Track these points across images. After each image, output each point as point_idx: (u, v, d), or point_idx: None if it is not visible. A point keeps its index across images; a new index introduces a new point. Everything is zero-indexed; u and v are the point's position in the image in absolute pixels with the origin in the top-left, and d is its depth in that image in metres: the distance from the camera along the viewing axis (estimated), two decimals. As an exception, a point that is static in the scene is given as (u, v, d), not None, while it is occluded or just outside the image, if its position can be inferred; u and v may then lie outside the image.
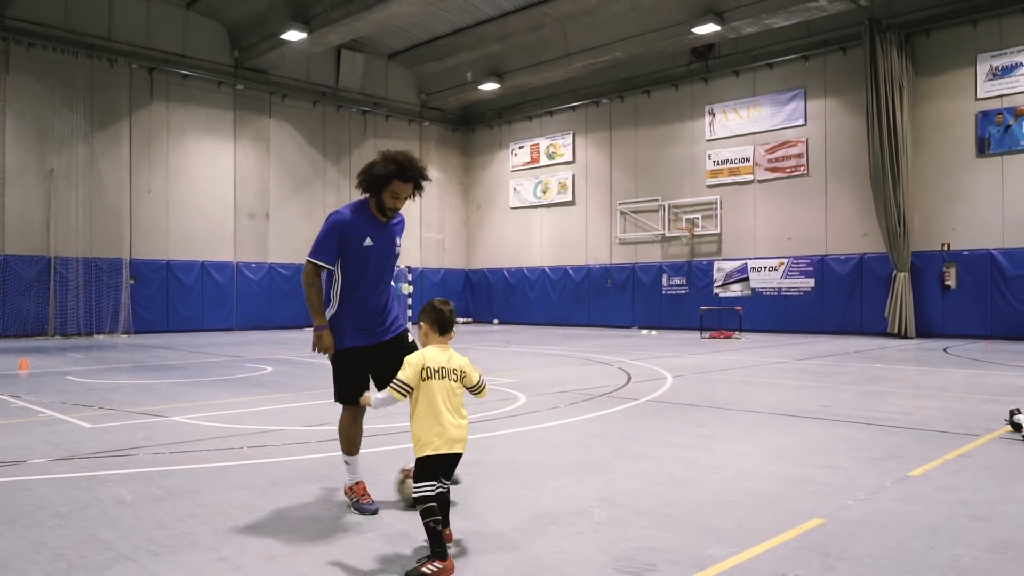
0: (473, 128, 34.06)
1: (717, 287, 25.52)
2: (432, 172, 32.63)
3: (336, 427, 4.91)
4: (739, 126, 25.31)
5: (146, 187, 24.86)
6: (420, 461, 3.78)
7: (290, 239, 28.21)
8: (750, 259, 24.90)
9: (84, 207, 23.37)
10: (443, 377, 3.87)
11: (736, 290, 25.02)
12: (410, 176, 4.54)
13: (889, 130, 20.87)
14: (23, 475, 5.37)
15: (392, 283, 4.91)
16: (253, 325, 26.84)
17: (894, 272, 21.24)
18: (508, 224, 32.55)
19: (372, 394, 4.15)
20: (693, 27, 22.66)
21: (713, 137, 25.97)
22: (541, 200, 31.22)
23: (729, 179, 25.51)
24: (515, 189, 32.26)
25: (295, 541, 3.94)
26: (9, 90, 22.22)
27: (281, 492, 4.91)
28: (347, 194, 29.98)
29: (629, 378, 11.44)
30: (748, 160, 25.03)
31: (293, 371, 12.77)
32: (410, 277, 30.57)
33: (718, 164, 25.78)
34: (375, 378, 4.76)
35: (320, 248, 4.55)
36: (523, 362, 14.50)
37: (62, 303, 22.71)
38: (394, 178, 4.50)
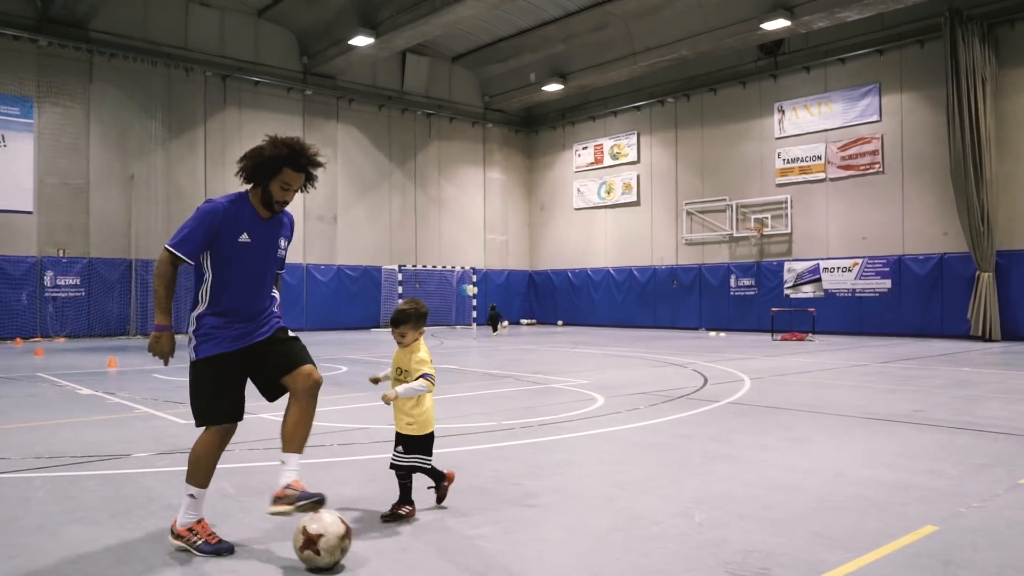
0: (536, 129, 34.07)
1: (788, 288, 24.97)
2: (495, 173, 32.91)
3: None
4: (810, 123, 24.73)
5: (220, 191, 25.55)
6: (429, 437, 4.49)
7: (357, 241, 28.68)
8: (822, 259, 24.29)
9: (162, 211, 24.18)
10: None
11: (808, 291, 24.44)
12: (303, 163, 3.91)
13: (971, 125, 20.13)
14: (130, 468, 5.56)
15: (275, 291, 4.20)
16: (322, 325, 27.36)
17: (977, 272, 20.46)
18: (572, 225, 32.46)
19: (401, 387, 4.39)
20: (762, 23, 22.24)
21: (783, 135, 25.44)
22: (605, 201, 31.04)
23: (800, 177, 24.94)
24: (579, 190, 32.15)
25: (399, 536, 3.97)
26: (93, 99, 23.13)
27: (377, 488, 4.97)
28: (412, 196, 30.35)
29: (705, 380, 11.27)
30: (820, 158, 24.44)
31: (368, 371, 12.95)
32: (474, 279, 30.78)
33: (788, 162, 25.23)
34: (260, 383, 4.04)
35: (183, 238, 3.81)
36: (594, 363, 14.42)
37: (143, 304, 23.52)
38: (284, 165, 3.87)
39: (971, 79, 20.14)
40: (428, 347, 4.50)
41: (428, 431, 4.47)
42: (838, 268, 23.82)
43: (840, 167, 24.00)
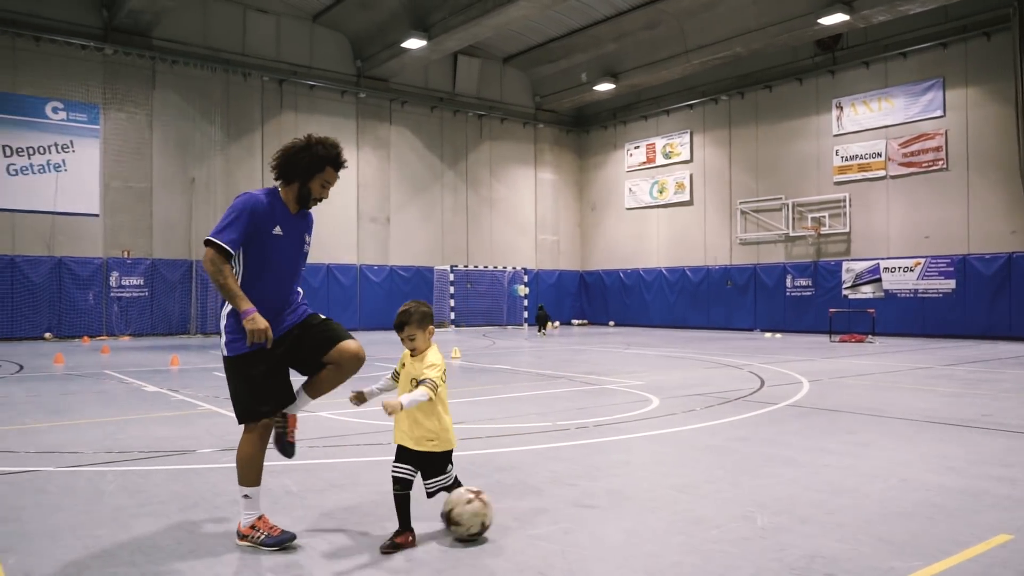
0: (588, 129, 33.96)
1: (846, 288, 24.41)
2: (547, 174, 32.91)
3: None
4: (869, 119, 24.14)
5: (277, 193, 26.05)
6: (450, 453, 4.03)
7: (409, 242, 28.97)
8: (882, 259, 23.69)
9: (221, 213, 24.67)
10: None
11: (867, 291, 23.86)
12: (342, 163, 4.10)
13: (1041, 119, 19.42)
14: (195, 463, 5.72)
15: (299, 288, 4.22)
16: (375, 325, 27.69)
17: (1047, 272, 19.72)
18: (623, 225, 32.27)
19: (404, 396, 3.78)
20: (819, 18, 21.80)
21: (841, 132, 24.88)
22: (657, 200, 30.78)
23: (859, 175, 24.37)
24: (631, 189, 31.94)
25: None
26: (156, 105, 23.84)
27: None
28: (464, 197, 30.53)
29: (762, 382, 11.09)
30: (880, 155, 23.84)
31: (421, 370, 13.05)
32: (526, 279, 30.82)
33: (846, 160, 24.67)
34: (302, 366, 4.07)
35: (226, 227, 3.79)
36: (647, 364, 14.31)
37: (202, 304, 24.15)
38: (328, 164, 4.01)
39: (1041, 72, 19.44)
40: (439, 351, 4.09)
41: (451, 448, 3.99)
42: (899, 268, 23.19)
43: (901, 164, 23.37)
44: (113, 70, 23.13)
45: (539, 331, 26.60)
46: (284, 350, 3.97)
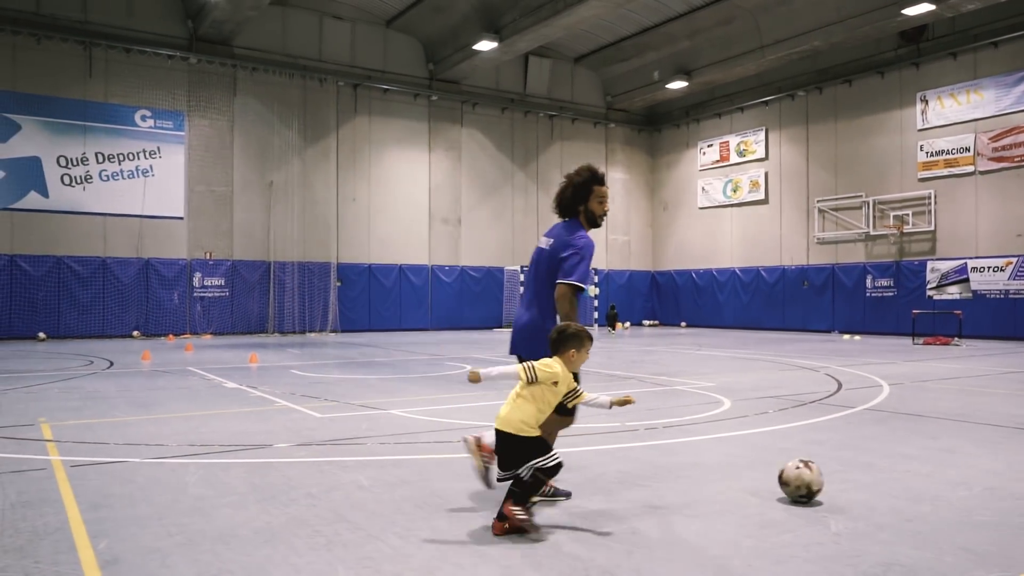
0: (660, 128, 33.58)
1: (931, 289, 23.47)
2: (618, 173, 32.70)
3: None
4: (957, 113, 23.15)
5: (351, 196, 26.68)
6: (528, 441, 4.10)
7: (480, 243, 29.20)
8: (970, 258, 22.69)
9: (298, 216, 25.48)
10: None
11: (953, 292, 22.88)
12: (602, 177, 4.85)
13: None
14: (272, 457, 5.91)
15: None
16: (446, 325, 28.02)
17: None
18: (696, 224, 31.79)
19: (489, 369, 4.11)
20: (903, 8, 21.04)
21: (926, 126, 23.94)
22: (731, 199, 30.21)
23: (945, 171, 23.40)
24: (703, 188, 31.45)
25: (528, 534, 4.02)
26: (237, 111, 24.68)
27: (502, 485, 5.04)
28: (535, 198, 30.58)
29: (840, 385, 10.77)
30: (968, 150, 22.83)
31: (491, 370, 13.15)
32: (596, 279, 30.65)
33: (931, 155, 23.72)
34: None
35: (586, 274, 4.63)
36: (719, 366, 14.07)
37: (280, 304, 24.89)
38: (593, 184, 4.79)
39: None
40: (562, 368, 4.17)
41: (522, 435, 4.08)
42: (988, 267, 22.17)
43: (991, 159, 22.34)
44: (197, 78, 24.06)
45: (609, 330, 26.70)
46: None
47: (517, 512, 3.95)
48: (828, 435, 6.94)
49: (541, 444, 4.08)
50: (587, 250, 4.62)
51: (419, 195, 28.07)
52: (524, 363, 4.13)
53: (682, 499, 4.72)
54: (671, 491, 4.91)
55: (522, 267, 29.09)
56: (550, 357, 4.22)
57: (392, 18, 27.20)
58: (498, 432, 4.11)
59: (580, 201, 4.81)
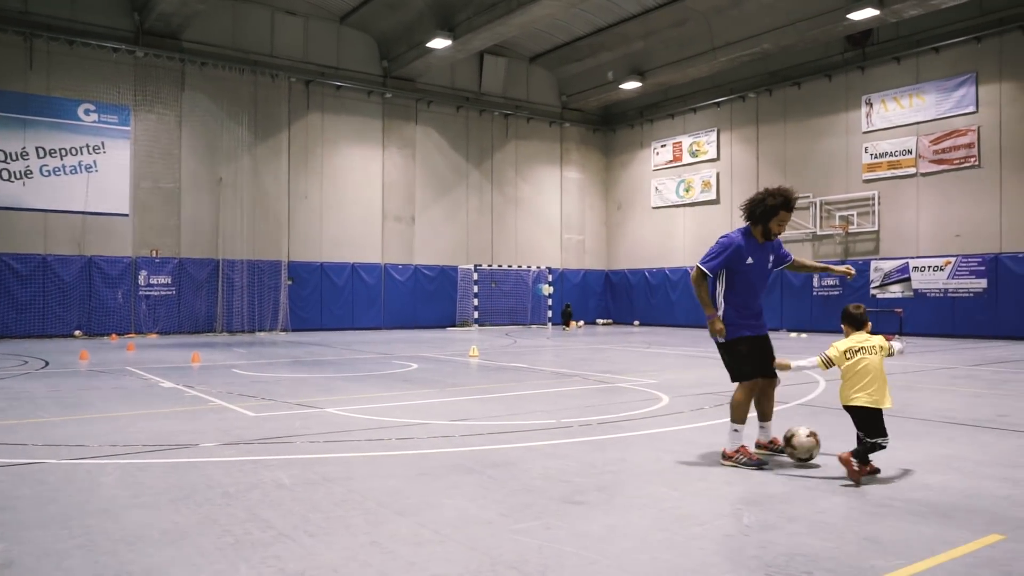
0: (614, 128, 33.81)
1: (874, 288, 24.01)
2: (572, 173, 32.86)
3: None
4: (900, 116, 23.71)
5: (303, 194, 26.38)
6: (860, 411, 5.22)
7: (434, 241, 29.10)
8: (912, 258, 23.26)
9: (248, 213, 25.11)
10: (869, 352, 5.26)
11: (896, 291, 23.44)
12: (792, 207, 5.57)
13: (1076, 114, 18.90)
14: (196, 457, 5.80)
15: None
16: (399, 324, 27.87)
17: (1082, 271, 19.19)
18: (649, 224, 32.08)
19: (796, 361, 5.44)
20: (849, 13, 21.46)
21: (870, 129, 24.48)
22: (684, 199, 30.55)
23: (888, 173, 23.96)
24: (657, 188, 31.75)
25: (440, 528, 4.01)
26: (185, 106, 24.22)
27: (427, 482, 5.03)
28: (490, 197, 30.56)
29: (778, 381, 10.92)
30: (910, 152, 23.40)
31: (437, 368, 13.12)
32: (550, 278, 30.79)
33: (876, 157, 24.27)
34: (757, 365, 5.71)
35: (712, 259, 5.62)
36: (665, 363, 14.21)
37: (228, 302, 24.51)
38: (781, 209, 5.52)
39: (1077, 66, 18.92)
40: (850, 340, 5.30)
41: (878, 406, 5.15)
42: (929, 267, 22.75)
43: (932, 161, 22.93)
44: (144, 72, 23.56)
45: (564, 328, 27.05)
46: (758, 345, 5.72)
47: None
48: (759, 429, 7.02)
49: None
50: (721, 244, 5.64)
51: (372, 193, 27.86)
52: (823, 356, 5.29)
53: (602, 494, 4.74)
54: (593, 486, 4.93)
55: (476, 266, 29.06)
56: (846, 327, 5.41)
57: (346, 14, 26.95)
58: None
59: (766, 219, 5.56)
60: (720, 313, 5.66)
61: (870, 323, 5.46)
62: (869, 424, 5.12)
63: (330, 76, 26.84)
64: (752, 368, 5.64)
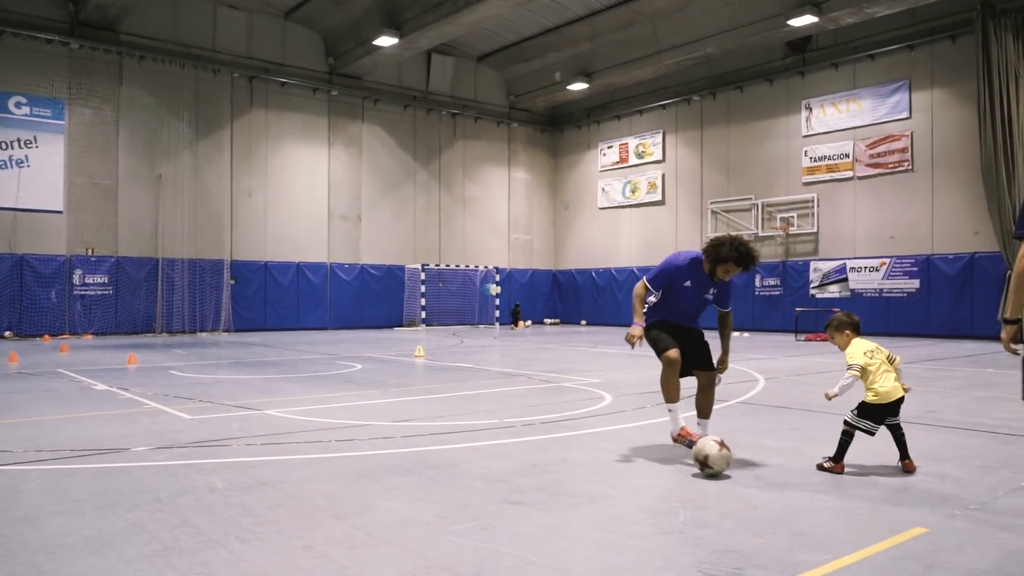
0: (561, 128, 33.99)
1: (813, 288, 24.62)
2: (520, 173, 32.92)
3: None
4: (838, 121, 24.34)
5: (246, 191, 25.89)
6: (879, 407, 5.35)
7: (381, 241, 28.85)
8: (849, 259, 23.91)
9: (189, 211, 24.53)
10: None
11: (834, 291, 24.07)
12: (748, 266, 5.68)
13: (1003, 121, 19.68)
14: (126, 462, 5.63)
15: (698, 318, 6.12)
16: (345, 324, 27.55)
17: (1009, 272, 19.96)
18: (596, 224, 32.33)
19: (832, 389, 5.43)
20: (789, 19, 21.95)
21: (810, 133, 25.08)
22: (630, 200, 30.87)
23: (827, 176, 24.58)
24: (603, 189, 32.01)
25: (376, 531, 3.96)
26: (123, 101, 23.55)
27: (365, 484, 4.97)
28: (437, 196, 30.46)
29: (719, 380, 11.10)
30: (847, 156, 24.05)
31: (382, 369, 13.01)
32: (498, 278, 30.80)
33: (815, 160, 24.87)
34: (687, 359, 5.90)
35: (654, 276, 5.92)
36: (610, 363, 14.33)
37: (168, 302, 23.91)
38: (731, 262, 5.62)
39: (1004, 75, 19.69)
40: (859, 347, 5.42)
41: (886, 401, 5.27)
42: (865, 268, 23.42)
43: (868, 165, 23.60)
44: (79, 65, 22.82)
45: (512, 327, 27.80)
46: (682, 336, 5.95)
47: None
48: (697, 428, 7.13)
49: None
50: (666, 263, 5.91)
51: (318, 191, 27.49)
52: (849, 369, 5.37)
53: (541, 494, 4.74)
54: (533, 486, 4.94)
55: (423, 265, 28.91)
56: (835, 332, 5.67)
57: (291, 10, 26.53)
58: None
59: (715, 263, 5.66)
60: (645, 309, 5.99)
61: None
62: (889, 411, 5.36)
63: (274, 72, 26.40)
64: (669, 340, 5.84)
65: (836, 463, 5.34)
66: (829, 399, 5.44)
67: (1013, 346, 4.02)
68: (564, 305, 33.62)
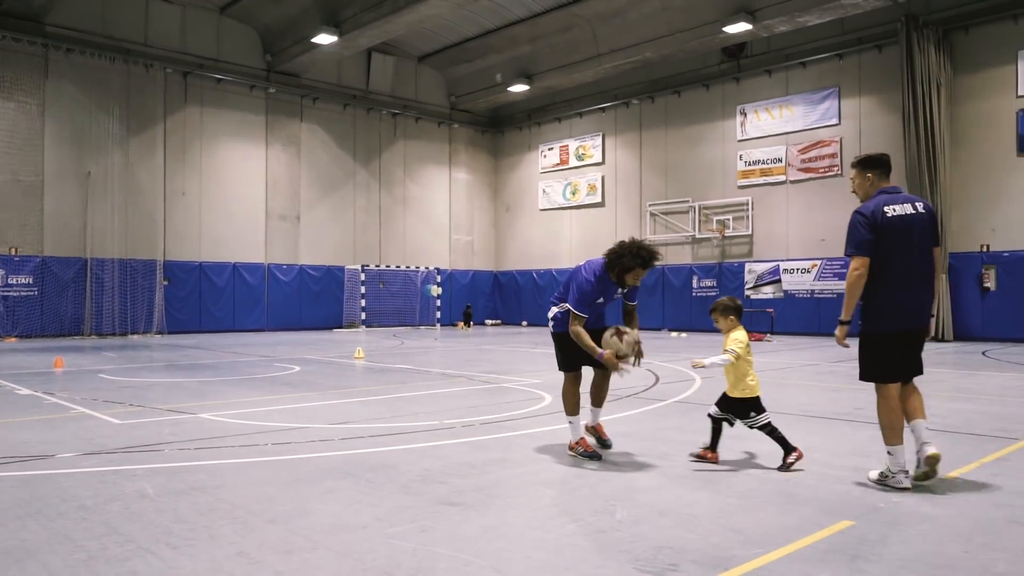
0: (502, 130, 34.06)
1: (748, 289, 25.21)
2: (461, 174, 32.88)
3: None
4: (771, 126, 24.99)
5: (180, 190, 25.23)
6: (745, 401, 5.57)
7: (320, 241, 28.45)
8: (782, 261, 24.56)
9: (119, 210, 23.77)
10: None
11: (768, 292, 24.69)
12: (651, 265, 5.80)
13: (926, 129, 20.46)
14: (51, 469, 5.43)
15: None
16: (283, 326, 27.08)
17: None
18: (537, 226, 32.49)
19: (708, 358, 5.53)
20: (725, 26, 22.44)
21: (745, 137, 25.68)
22: (570, 202, 31.11)
23: (761, 180, 25.20)
24: (544, 191, 32.20)
25: (313, 536, 3.92)
26: (48, 96, 22.69)
27: (302, 488, 4.91)
28: (377, 196, 30.20)
29: (657, 379, 11.32)
30: (780, 160, 24.71)
31: (321, 371, 12.84)
32: (439, 279, 30.70)
33: (750, 165, 25.48)
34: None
35: (580, 303, 5.81)
36: (550, 363, 14.37)
37: (98, 304, 23.12)
38: (638, 268, 5.73)
39: (926, 84, 20.47)
40: (743, 335, 5.60)
41: (749, 396, 5.52)
42: (797, 269, 24.09)
43: (800, 169, 24.28)
44: (1, 57, 21.90)
45: (466, 326, 29.58)
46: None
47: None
48: (635, 427, 7.25)
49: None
50: (583, 288, 5.83)
51: (255, 190, 26.96)
52: (727, 352, 5.50)
53: (480, 495, 4.75)
54: (471, 487, 4.94)
55: (363, 266, 28.60)
56: (720, 317, 5.77)
57: (226, 5, 25.95)
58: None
59: (622, 273, 5.75)
60: (551, 315, 6.17)
61: None
62: (753, 408, 5.58)
63: (210, 68, 25.78)
64: (576, 359, 5.95)
65: (712, 452, 5.64)
66: (694, 367, 5.68)
67: (845, 342, 5.53)
68: (505, 306, 33.69)
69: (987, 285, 20.47)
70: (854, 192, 5.52)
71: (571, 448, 5.89)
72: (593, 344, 5.73)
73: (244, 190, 26.69)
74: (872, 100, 22.86)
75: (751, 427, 5.61)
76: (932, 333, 20.14)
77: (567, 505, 4.54)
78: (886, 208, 5.09)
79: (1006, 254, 20.28)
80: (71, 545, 3.75)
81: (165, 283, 24.44)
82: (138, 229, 24.13)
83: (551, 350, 6.62)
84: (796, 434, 6.80)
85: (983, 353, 16.45)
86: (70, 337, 22.44)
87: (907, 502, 4.57)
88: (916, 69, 20.50)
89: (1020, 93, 20.15)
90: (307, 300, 27.86)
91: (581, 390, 6.09)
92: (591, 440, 6.02)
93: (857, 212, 5.18)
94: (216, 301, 25.69)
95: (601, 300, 5.93)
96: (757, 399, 5.59)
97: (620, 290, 5.97)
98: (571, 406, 5.94)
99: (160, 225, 24.66)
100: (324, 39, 24.42)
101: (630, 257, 5.71)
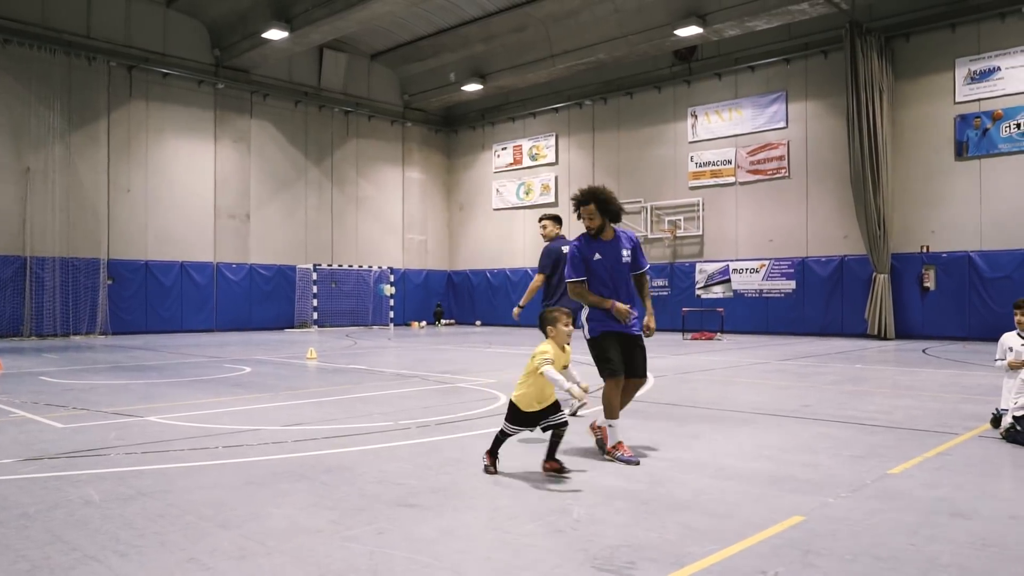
0: (456, 129, 33.97)
1: (699, 289, 25.58)
2: (414, 173, 32.70)
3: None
4: (721, 128, 25.40)
5: (124, 187, 24.58)
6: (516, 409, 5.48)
7: (271, 240, 28.01)
8: (732, 261, 24.98)
9: (61, 206, 23.06)
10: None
11: (718, 292, 25.09)
12: (579, 203, 6.04)
13: (869, 133, 21.01)
14: (-10, 475, 5.24)
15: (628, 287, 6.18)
16: (233, 326, 26.60)
17: (874, 274, 21.38)
18: (491, 225, 32.49)
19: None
20: (675, 29, 22.73)
21: (695, 139, 26.05)
22: (524, 201, 31.18)
23: (711, 181, 25.59)
24: (498, 190, 32.21)
25: (267, 540, 3.85)
26: (-16, 87, 21.89)
27: (254, 491, 4.82)
28: (329, 195, 29.85)
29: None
30: (730, 162, 25.12)
31: (272, 372, 12.63)
32: (392, 279, 30.49)
33: (700, 166, 25.85)
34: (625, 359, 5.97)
35: (570, 269, 6.15)
36: (504, 363, 14.43)
37: (38, 303, 22.40)
38: (580, 207, 6.06)
39: (869, 89, 21.02)
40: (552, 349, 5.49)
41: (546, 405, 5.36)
42: (746, 269, 24.53)
43: (749, 171, 24.73)
44: (-67, 47, 21.08)
45: (439, 324, 30.58)
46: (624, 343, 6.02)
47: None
48: (587, 426, 7.28)
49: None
50: (571, 254, 6.22)
51: (203, 188, 26.40)
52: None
53: (437, 496, 4.73)
54: (428, 488, 4.91)
55: (315, 265, 28.24)
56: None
57: (173, -2, 25.38)
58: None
59: (579, 217, 6.13)
60: (584, 314, 6.11)
61: None
62: (543, 416, 5.35)
63: (155, 62, 25.17)
64: (617, 363, 5.87)
65: (492, 458, 5.44)
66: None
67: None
68: (459, 305, 33.60)
69: (927, 285, 21.12)
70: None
71: (609, 452, 5.79)
72: (599, 298, 5.95)
73: (192, 187, 26.13)
74: (818, 104, 23.39)
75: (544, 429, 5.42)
76: (875, 331, 20.91)
77: (524, 505, 4.54)
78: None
79: (945, 255, 20.95)
80: (12, 555, 3.62)
81: (109, 282, 23.79)
82: (80, 226, 23.44)
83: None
84: (748, 432, 6.94)
85: (923, 351, 16.97)
86: (9, 338, 21.69)
87: (855, 498, 4.68)
88: (860, 74, 21.04)
89: (957, 100, 20.84)
90: (257, 300, 27.41)
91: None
92: (627, 448, 5.86)
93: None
94: (163, 301, 25.10)
95: (600, 258, 5.98)
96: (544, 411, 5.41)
97: (624, 254, 6.06)
98: (611, 410, 5.86)
99: (104, 222, 23.98)
100: (275, 35, 24.04)
101: (573, 201, 6.14)
